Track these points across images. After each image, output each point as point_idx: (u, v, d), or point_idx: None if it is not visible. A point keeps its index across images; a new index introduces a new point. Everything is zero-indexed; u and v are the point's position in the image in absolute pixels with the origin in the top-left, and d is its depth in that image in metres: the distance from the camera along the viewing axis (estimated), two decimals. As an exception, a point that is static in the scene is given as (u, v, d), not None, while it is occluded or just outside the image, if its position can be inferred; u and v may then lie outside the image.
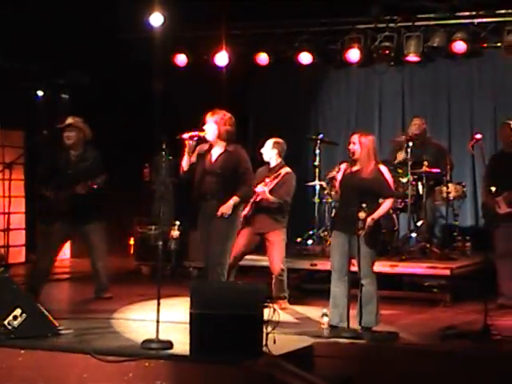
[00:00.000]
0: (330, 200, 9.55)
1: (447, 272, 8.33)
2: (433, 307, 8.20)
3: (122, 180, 11.28)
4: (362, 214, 6.45)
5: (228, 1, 10.11)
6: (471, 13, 10.39)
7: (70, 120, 8.21)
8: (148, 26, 9.96)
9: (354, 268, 6.67)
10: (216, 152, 7.16)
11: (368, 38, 10.92)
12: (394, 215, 9.32)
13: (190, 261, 9.46)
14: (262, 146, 8.22)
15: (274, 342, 5.60)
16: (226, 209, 7.00)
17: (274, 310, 5.76)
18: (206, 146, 7.18)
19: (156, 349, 5.70)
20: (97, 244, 8.32)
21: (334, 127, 11.77)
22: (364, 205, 6.45)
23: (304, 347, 6.01)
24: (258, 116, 12.15)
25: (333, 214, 9.09)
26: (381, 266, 7.91)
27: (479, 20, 10.42)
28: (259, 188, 7.88)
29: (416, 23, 10.70)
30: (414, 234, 9.53)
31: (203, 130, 7.07)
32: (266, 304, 5.62)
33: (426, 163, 9.33)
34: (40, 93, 11.37)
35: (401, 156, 9.68)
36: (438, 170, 9.47)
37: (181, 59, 11.46)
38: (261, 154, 8.21)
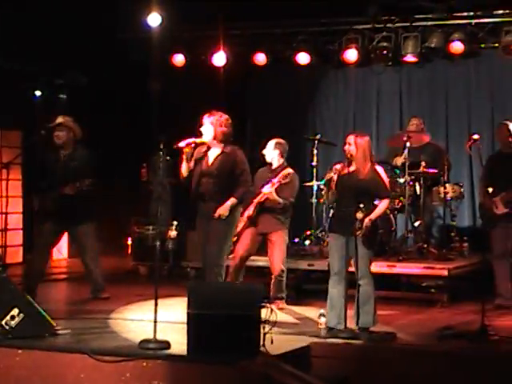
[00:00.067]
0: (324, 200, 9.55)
1: (445, 272, 8.33)
2: (430, 307, 8.20)
3: (120, 180, 11.30)
4: (359, 215, 6.46)
5: (225, 1, 10.11)
6: (469, 13, 10.37)
7: (60, 119, 8.16)
8: (146, 26, 9.94)
9: (352, 268, 6.68)
10: (213, 153, 7.17)
11: (366, 38, 10.90)
12: (392, 215, 9.33)
13: (188, 261, 9.46)
14: (264, 146, 8.20)
15: (272, 342, 5.61)
16: (223, 210, 7.01)
17: (272, 310, 5.77)
18: (203, 149, 7.19)
19: (153, 349, 5.70)
20: (88, 245, 8.29)
21: (332, 127, 11.76)
22: (361, 205, 6.46)
23: (301, 347, 6.02)
24: (255, 116, 12.12)
25: (330, 214, 9.08)
26: (378, 267, 7.93)
27: (477, 21, 10.39)
28: (266, 189, 7.87)
29: (414, 24, 10.66)
30: (411, 235, 9.53)
31: (199, 136, 7.07)
32: (263, 304, 5.63)
33: (423, 164, 9.35)
34: (38, 93, 11.34)
35: (399, 161, 9.67)
36: (436, 171, 9.47)
37: (179, 59, 11.43)
38: (262, 155, 8.20)
